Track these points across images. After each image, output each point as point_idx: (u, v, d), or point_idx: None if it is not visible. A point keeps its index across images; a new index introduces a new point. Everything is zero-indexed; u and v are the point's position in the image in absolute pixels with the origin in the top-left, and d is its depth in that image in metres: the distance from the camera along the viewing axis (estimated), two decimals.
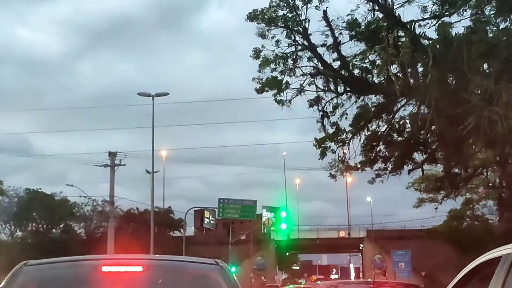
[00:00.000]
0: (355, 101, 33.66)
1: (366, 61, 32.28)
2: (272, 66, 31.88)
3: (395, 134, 35.51)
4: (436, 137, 32.91)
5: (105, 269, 7.09)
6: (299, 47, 31.91)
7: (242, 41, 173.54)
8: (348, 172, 36.53)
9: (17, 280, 6.83)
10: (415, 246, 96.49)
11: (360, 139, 34.43)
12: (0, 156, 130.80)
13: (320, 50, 32.12)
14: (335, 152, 34.68)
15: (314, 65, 32.29)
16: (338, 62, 32.57)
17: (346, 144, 34.36)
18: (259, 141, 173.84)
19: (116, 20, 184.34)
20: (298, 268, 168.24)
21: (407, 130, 34.94)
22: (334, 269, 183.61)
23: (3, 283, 6.81)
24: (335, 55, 32.23)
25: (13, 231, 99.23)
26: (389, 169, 36.04)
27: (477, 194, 75.29)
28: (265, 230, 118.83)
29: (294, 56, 31.95)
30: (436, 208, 54.50)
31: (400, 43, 28.73)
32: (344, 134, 34.33)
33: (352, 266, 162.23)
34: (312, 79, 32.58)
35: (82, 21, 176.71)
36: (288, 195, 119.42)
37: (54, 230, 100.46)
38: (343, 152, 34.79)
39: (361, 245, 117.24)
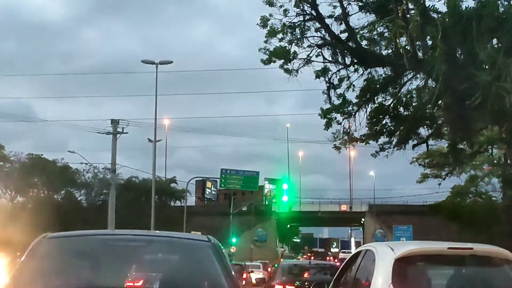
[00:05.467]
0: (362, 73, 33.21)
1: (374, 33, 31.85)
2: (280, 35, 31.41)
3: (401, 108, 35.09)
4: (443, 112, 32.46)
5: (112, 242, 8.25)
6: (307, 17, 31.39)
7: (249, 12, 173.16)
8: (352, 144, 35.99)
9: (38, 250, 7.79)
10: (417, 222, 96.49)
11: (366, 112, 34.03)
12: (3, 122, 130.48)
13: (328, 21, 31.69)
14: (340, 123, 34.29)
15: (322, 35, 31.84)
16: (346, 34, 32.08)
17: (352, 116, 33.90)
18: (261, 113, 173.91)
19: None
20: (299, 240, 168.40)
21: (414, 104, 34.52)
22: (334, 243, 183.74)
23: (26, 253, 7.78)
24: (342, 26, 31.77)
25: (14, 197, 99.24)
26: (394, 143, 35.65)
27: (481, 171, 74.97)
28: (266, 202, 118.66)
29: (302, 26, 31.43)
30: (440, 184, 54.03)
31: (409, 15, 28.22)
32: (350, 106, 33.88)
33: (353, 240, 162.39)
34: (319, 50, 32.15)
35: None
36: (290, 168, 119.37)
37: (55, 196, 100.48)
38: (349, 124, 34.38)
39: (363, 219, 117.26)
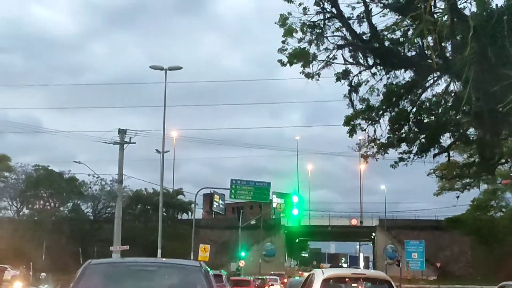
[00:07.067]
0: (384, 76, 31.24)
1: (398, 33, 29.98)
2: (299, 35, 29.64)
3: (424, 114, 33.05)
4: (471, 117, 30.44)
5: (136, 268, 11.40)
6: (327, 15, 29.56)
7: (258, 25, 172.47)
8: (384, 151, 33.42)
9: (86, 273, 10.71)
10: (429, 237, 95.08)
11: (390, 117, 32.12)
12: (11, 134, 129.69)
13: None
14: (364, 130, 32.31)
15: (343, 35, 30.00)
16: (367, 36, 30.22)
17: (377, 121, 31.91)
18: (269, 128, 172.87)
19: (133, 1, 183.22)
20: (307, 255, 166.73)
21: (439, 109, 32.48)
22: (343, 258, 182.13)
23: (76, 275, 10.65)
24: (364, 27, 29.94)
25: (20, 209, 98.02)
26: (414, 152, 33.71)
27: (494, 184, 73.31)
28: (274, 215, 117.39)
29: (322, 25, 29.62)
30: (458, 196, 52.32)
31: (437, 11, 26.48)
32: (374, 112, 31.88)
33: (361, 256, 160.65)
34: (340, 51, 30.28)
35: (98, 1, 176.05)
36: (298, 182, 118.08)
37: (61, 209, 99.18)
38: (374, 130, 32.29)
39: (373, 234, 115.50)
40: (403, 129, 32.84)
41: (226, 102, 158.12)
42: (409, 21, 28.11)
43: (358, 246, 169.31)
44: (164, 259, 15.10)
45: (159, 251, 52.01)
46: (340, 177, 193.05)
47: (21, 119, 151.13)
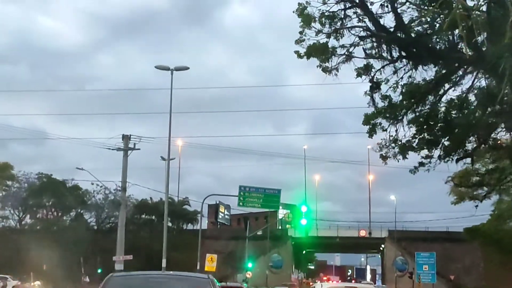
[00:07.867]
0: (405, 73, 29.04)
1: (425, 25, 27.70)
2: (318, 26, 27.46)
3: (453, 114, 30.53)
4: (504, 116, 28.01)
5: (153, 280, 13.72)
6: (348, 4, 27.40)
7: (264, 37, 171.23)
8: (404, 156, 30.98)
9: (108, 285, 12.92)
10: (439, 249, 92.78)
11: (415, 115, 29.84)
12: (15, 144, 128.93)
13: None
14: (386, 129, 29.99)
15: (365, 26, 27.80)
16: (391, 30, 28.03)
17: (399, 120, 29.61)
18: (275, 138, 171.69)
19: (139, 13, 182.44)
20: (313, 267, 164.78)
21: (465, 108, 30.02)
22: (349, 270, 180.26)
23: (99, 286, 12.99)
24: (386, 21, 27.79)
25: (22, 218, 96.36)
26: (438, 155, 31.26)
27: (507, 195, 71.11)
28: (281, 226, 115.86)
29: (343, 15, 27.44)
30: (477, 206, 50.23)
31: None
32: (397, 109, 29.54)
33: (368, 268, 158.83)
34: (361, 44, 28.07)
35: (104, 13, 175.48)
36: (306, 192, 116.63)
37: (64, 218, 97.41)
38: (396, 130, 29.96)
39: (382, 246, 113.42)
40: (429, 131, 30.47)
41: (233, 113, 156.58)
42: (436, 11, 25.85)
43: (363, 259, 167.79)
44: (171, 271, 17.34)
45: (163, 261, 49.97)
46: (347, 188, 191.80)
47: (26, 127, 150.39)
